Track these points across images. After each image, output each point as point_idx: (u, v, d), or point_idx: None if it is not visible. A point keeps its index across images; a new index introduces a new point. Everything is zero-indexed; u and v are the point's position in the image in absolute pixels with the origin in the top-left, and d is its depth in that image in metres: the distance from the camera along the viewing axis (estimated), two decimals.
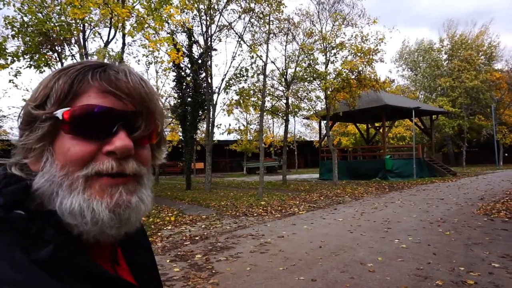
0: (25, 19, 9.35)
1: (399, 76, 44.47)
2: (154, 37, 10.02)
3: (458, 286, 3.67)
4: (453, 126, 33.38)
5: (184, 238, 6.37)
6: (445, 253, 4.87)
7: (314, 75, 15.96)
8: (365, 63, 15.54)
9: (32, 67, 10.00)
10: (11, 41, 9.87)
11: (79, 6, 8.16)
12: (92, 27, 10.92)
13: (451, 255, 4.80)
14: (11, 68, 10.01)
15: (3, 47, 9.66)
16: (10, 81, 10.71)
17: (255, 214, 8.76)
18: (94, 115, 0.48)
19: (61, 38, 9.88)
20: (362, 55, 15.63)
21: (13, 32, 9.36)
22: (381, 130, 21.25)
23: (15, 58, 9.68)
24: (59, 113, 0.48)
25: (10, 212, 0.45)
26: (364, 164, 21.53)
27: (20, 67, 10.35)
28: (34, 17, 8.98)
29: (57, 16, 9.39)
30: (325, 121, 18.91)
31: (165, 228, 7.27)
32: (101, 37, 11.77)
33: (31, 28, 9.34)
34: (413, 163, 19.31)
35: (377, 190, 14.15)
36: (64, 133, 0.49)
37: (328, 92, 16.14)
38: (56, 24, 9.18)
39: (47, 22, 8.99)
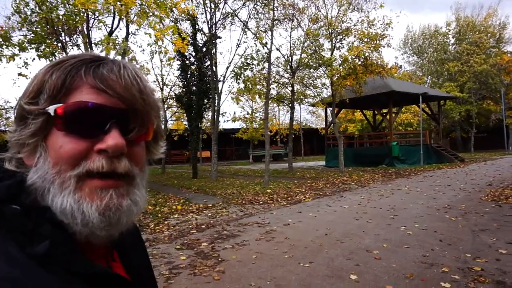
0: (31, 5, 9.32)
1: (405, 62, 43.79)
2: (159, 25, 9.93)
3: (464, 273, 3.66)
4: (461, 112, 32.99)
5: (190, 226, 6.42)
6: (451, 240, 4.85)
7: (320, 61, 15.77)
8: (371, 48, 15.30)
9: (39, 57, 10.00)
10: (17, 31, 9.86)
11: None
12: (96, 16, 10.86)
13: (457, 241, 4.78)
14: (20, 58, 10.02)
15: (9, 36, 9.67)
16: (19, 74, 10.72)
17: (261, 202, 8.79)
18: (86, 112, 0.48)
19: (66, 27, 9.84)
20: (368, 40, 15.39)
21: (20, 19, 9.33)
22: (387, 117, 21.04)
23: (21, 48, 9.69)
24: (51, 109, 0.48)
25: (5, 206, 0.45)
26: (371, 151, 21.43)
27: (27, 58, 10.36)
28: (40, 3, 8.93)
29: (62, 5, 9.34)
30: (331, 108, 18.77)
31: (171, 217, 7.33)
32: (105, 26, 11.71)
33: (38, 17, 9.32)
34: (420, 149, 19.17)
35: (384, 177, 14.10)
36: (56, 129, 0.48)
37: (334, 79, 15.97)
38: (62, 14, 9.13)
39: (53, 13, 8.95)
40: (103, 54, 0.55)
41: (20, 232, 0.44)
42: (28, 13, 9.13)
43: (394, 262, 4.04)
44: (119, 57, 0.55)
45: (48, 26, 9.12)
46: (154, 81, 21.48)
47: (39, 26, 9.14)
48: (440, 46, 38.61)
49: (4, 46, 9.50)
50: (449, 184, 10.75)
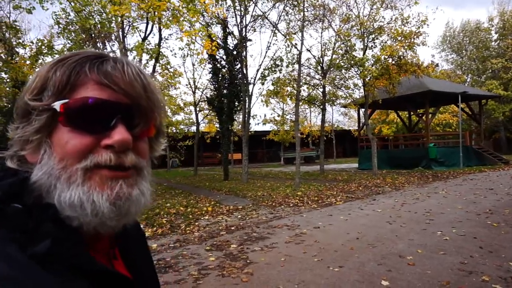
0: (70, 16, 9.89)
1: (443, 61, 41.98)
2: (190, 28, 10.16)
3: (507, 283, 3.42)
4: (505, 111, 31.16)
5: (220, 228, 6.47)
6: (493, 247, 4.57)
7: (352, 62, 15.47)
8: (405, 47, 14.80)
9: None
10: (57, 40, 10.46)
11: (119, 3, 8.44)
12: (130, 23, 11.29)
13: (500, 249, 4.49)
14: None
15: (52, 45, 10.28)
16: None
17: (291, 205, 8.72)
18: (91, 107, 0.48)
19: (103, 34, 10.31)
20: (402, 39, 14.90)
21: (60, 29, 9.91)
22: (424, 117, 20.24)
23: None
24: (56, 105, 0.48)
25: (7, 205, 0.45)
26: (406, 153, 20.70)
27: None
28: (79, 12, 9.44)
29: (98, 14, 9.82)
30: (363, 109, 18.34)
31: (202, 218, 7.43)
32: (139, 32, 12.14)
33: (75, 26, 9.86)
34: (460, 151, 18.28)
35: (420, 179, 13.56)
36: (62, 125, 0.49)
37: (367, 80, 15.60)
38: (98, 21, 9.59)
39: (89, 19, 9.43)
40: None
41: (22, 231, 0.43)
42: (68, 21, 9.66)
43: (429, 269, 3.86)
44: (118, 54, 0.55)
45: (84, 34, 9.59)
46: (187, 85, 21.94)
47: (76, 35, 9.63)
48: (481, 43, 36.73)
49: (47, 55, 10.10)
50: (491, 188, 10.16)
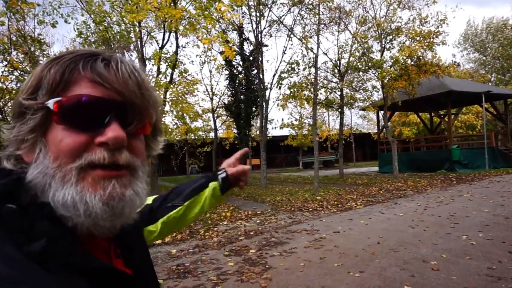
0: (92, 27, 10.21)
1: (465, 60, 40.86)
2: (206, 36, 10.28)
3: None
4: None
5: (239, 233, 6.46)
6: None
7: (369, 64, 15.27)
8: (424, 47, 14.50)
9: None
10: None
11: (137, 11, 8.63)
12: (148, 32, 11.52)
13: None
14: None
15: None
16: None
17: (310, 209, 8.63)
18: (84, 104, 0.48)
19: (122, 45, 10.55)
20: (421, 39, 14.61)
21: (82, 40, 10.22)
22: (446, 119, 19.71)
23: None
24: (50, 103, 0.48)
25: (1, 206, 0.44)
26: (428, 155, 20.17)
27: None
28: (98, 24, 9.73)
29: (116, 25, 10.08)
30: (382, 112, 18.04)
31: (221, 223, 7.44)
32: (156, 42, 12.36)
33: (95, 37, 10.16)
34: (485, 152, 17.68)
35: (443, 182, 13.18)
36: (56, 123, 0.49)
37: (385, 81, 15.35)
38: (116, 32, 9.85)
39: (109, 30, 9.69)
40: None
41: (17, 231, 0.43)
42: (88, 34, 9.96)
43: (454, 274, 3.72)
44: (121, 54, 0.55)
45: (104, 45, 9.85)
46: (204, 91, 22.12)
47: (96, 46, 9.91)
48: (507, 40, 35.59)
49: None
50: None
